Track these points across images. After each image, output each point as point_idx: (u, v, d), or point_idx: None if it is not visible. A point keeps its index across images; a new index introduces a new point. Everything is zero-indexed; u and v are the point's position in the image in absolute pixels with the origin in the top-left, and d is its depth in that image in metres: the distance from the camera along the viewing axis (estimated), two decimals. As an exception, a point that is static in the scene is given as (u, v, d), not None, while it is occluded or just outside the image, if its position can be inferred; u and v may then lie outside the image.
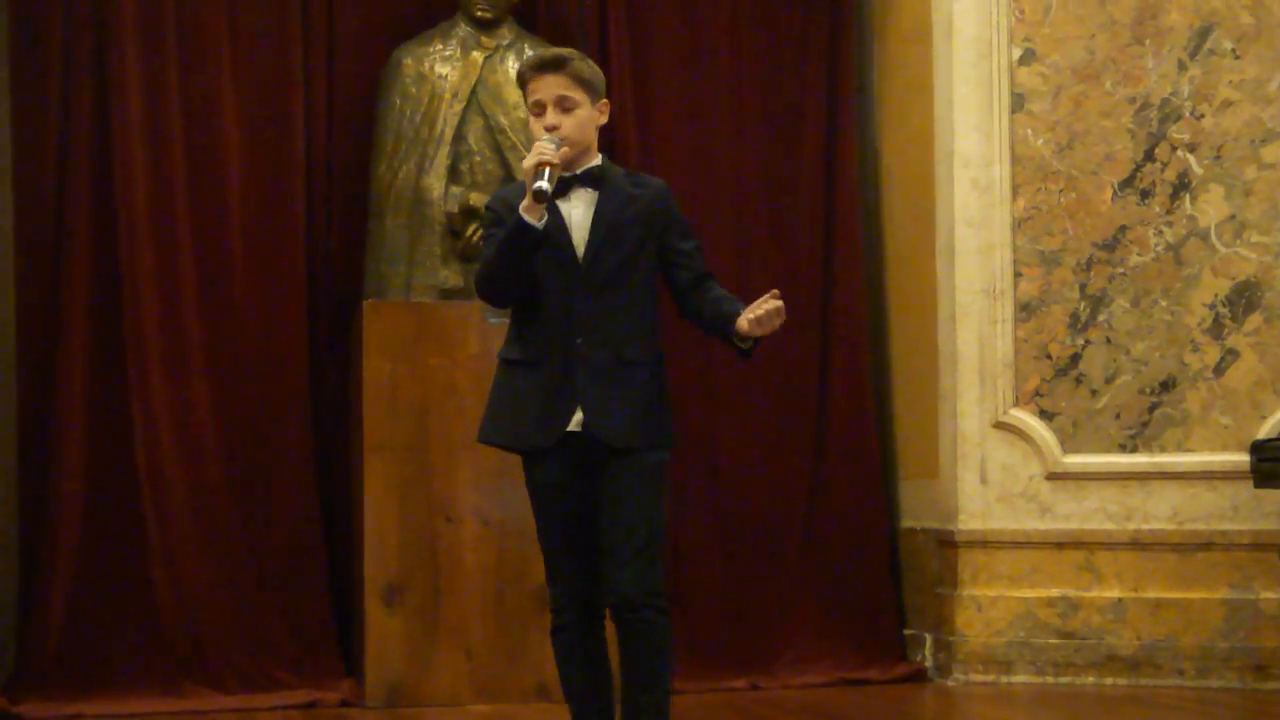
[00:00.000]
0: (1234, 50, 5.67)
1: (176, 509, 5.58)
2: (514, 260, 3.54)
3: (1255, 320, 5.64)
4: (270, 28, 5.87)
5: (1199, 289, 5.68)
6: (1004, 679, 5.70)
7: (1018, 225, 5.81)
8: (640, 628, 3.52)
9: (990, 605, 5.74)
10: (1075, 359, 5.76)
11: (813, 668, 5.88)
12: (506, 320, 3.72)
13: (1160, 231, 5.72)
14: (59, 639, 5.45)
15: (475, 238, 5.46)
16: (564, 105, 3.59)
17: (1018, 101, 5.81)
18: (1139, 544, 5.66)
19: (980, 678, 5.72)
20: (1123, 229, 5.75)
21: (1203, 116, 5.69)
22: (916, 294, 6.11)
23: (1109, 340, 5.74)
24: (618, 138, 5.92)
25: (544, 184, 3.45)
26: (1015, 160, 5.81)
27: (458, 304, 5.53)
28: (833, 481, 6.15)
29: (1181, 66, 5.71)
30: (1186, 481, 5.64)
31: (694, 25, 6.21)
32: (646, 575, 3.53)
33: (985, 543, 5.77)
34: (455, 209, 5.63)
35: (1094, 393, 5.74)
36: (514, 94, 5.49)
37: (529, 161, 3.48)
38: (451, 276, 5.63)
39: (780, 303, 3.51)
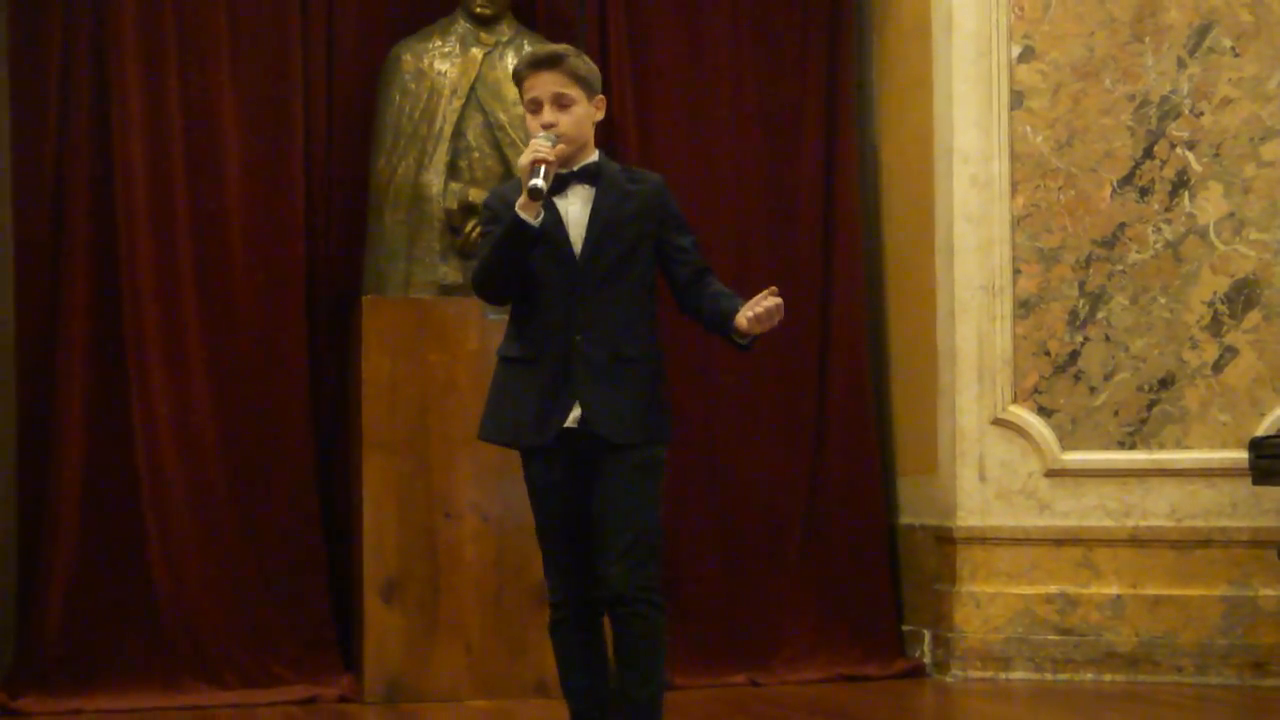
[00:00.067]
0: (1233, 48, 5.68)
1: (176, 504, 5.59)
2: (511, 258, 3.55)
3: (1254, 318, 5.64)
4: (269, 26, 5.87)
5: (1198, 286, 5.68)
6: (1002, 675, 5.70)
7: (1017, 222, 5.82)
8: (634, 622, 3.53)
9: (989, 602, 5.74)
10: (1074, 356, 5.77)
11: (811, 664, 5.89)
12: (506, 316, 3.73)
13: (1159, 229, 5.73)
14: (58, 635, 5.46)
15: (474, 234, 5.46)
16: (560, 102, 3.59)
17: (1017, 98, 5.82)
18: (1138, 541, 5.67)
19: (979, 674, 5.73)
20: (1122, 226, 5.75)
21: (1202, 114, 5.69)
22: (916, 290, 6.12)
23: (1108, 337, 5.75)
24: (617, 134, 5.93)
25: (539, 182, 3.45)
26: (1014, 157, 5.82)
27: (457, 300, 5.53)
28: (832, 478, 6.15)
29: (1181, 64, 5.71)
30: (1185, 478, 5.65)
31: (693, 22, 6.21)
32: (640, 570, 3.54)
33: (984, 539, 5.77)
34: (454, 205, 5.64)
35: (1093, 390, 5.75)
36: (513, 90, 5.41)
37: (525, 159, 3.49)
38: (450, 272, 5.64)
39: (779, 299, 3.52)
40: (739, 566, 6.02)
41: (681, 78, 6.18)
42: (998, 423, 5.80)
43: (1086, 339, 5.76)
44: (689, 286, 3.69)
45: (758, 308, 3.51)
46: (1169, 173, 5.71)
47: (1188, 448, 5.66)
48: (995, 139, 5.81)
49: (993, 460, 5.79)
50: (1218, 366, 5.66)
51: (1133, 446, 5.71)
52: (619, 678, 3.59)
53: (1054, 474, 5.74)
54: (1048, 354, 5.78)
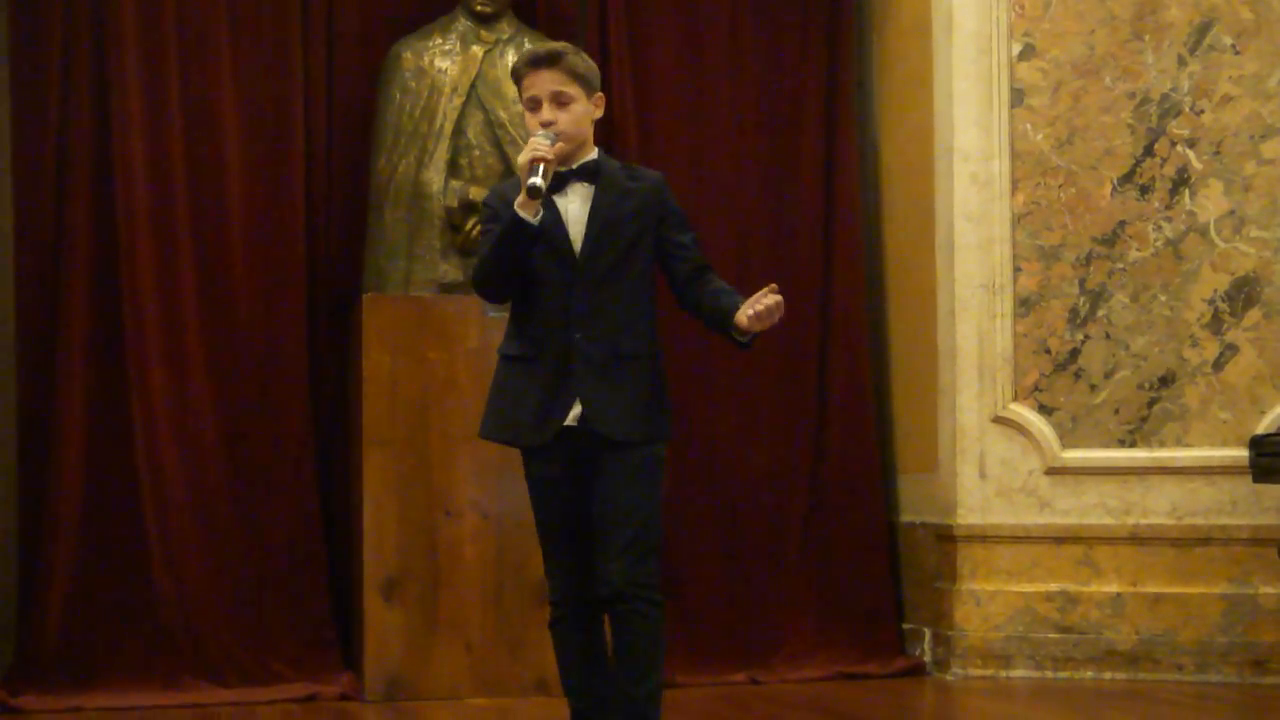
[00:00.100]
0: (1234, 45, 5.67)
1: (176, 503, 5.59)
2: (510, 256, 3.55)
3: (1254, 315, 5.64)
4: (270, 25, 5.87)
5: (1198, 284, 5.68)
6: (1002, 674, 5.70)
7: (1017, 220, 5.81)
8: (632, 619, 3.53)
9: (989, 600, 5.74)
10: (1074, 354, 5.77)
11: (811, 662, 5.89)
12: (506, 314, 3.73)
13: (1159, 227, 5.72)
14: (58, 633, 5.46)
15: (474, 232, 5.46)
16: (559, 100, 3.59)
17: (1017, 96, 5.82)
18: (1138, 539, 5.67)
19: (979, 672, 5.73)
20: (1122, 224, 5.75)
21: (1202, 112, 5.69)
22: (916, 289, 6.12)
23: (1108, 335, 5.75)
24: (617, 133, 5.93)
25: (538, 180, 3.45)
26: (1015, 155, 5.81)
27: (457, 298, 5.53)
28: (832, 476, 6.15)
29: (1181, 62, 5.71)
30: (1185, 476, 5.65)
31: (693, 20, 6.21)
32: (638, 567, 3.54)
33: (984, 537, 5.77)
34: (455, 203, 5.64)
35: (1093, 388, 5.75)
36: (514, 88, 5.44)
37: (523, 158, 3.49)
38: (451, 270, 5.64)
39: (779, 297, 3.52)
40: (739, 565, 6.02)
41: (681, 76, 6.18)
42: (998, 421, 5.79)
43: (1087, 337, 5.76)
44: (689, 283, 3.69)
45: (758, 305, 3.51)
46: (1169, 170, 5.71)
47: (1188, 446, 5.66)
48: (995, 137, 5.81)
49: (993, 458, 5.79)
50: (1218, 364, 5.66)
51: (1133, 444, 5.71)
52: (618, 674, 3.59)
53: (1054, 472, 5.74)
54: (1048, 352, 5.78)
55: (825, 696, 5.50)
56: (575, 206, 3.63)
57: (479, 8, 5.80)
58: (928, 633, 5.95)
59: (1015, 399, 5.79)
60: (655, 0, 6.18)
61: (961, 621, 5.76)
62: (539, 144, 3.50)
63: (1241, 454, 5.37)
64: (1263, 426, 5.55)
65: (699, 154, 6.15)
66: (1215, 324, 5.66)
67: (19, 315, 5.69)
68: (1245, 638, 5.52)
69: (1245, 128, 5.66)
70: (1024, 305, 5.80)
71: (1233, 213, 5.67)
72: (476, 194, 5.48)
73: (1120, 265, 5.74)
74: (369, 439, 5.43)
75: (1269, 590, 5.52)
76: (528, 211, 3.49)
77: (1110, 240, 5.75)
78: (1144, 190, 5.73)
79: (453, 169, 5.68)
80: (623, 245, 3.62)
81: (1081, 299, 5.76)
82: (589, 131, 3.66)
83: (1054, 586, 5.71)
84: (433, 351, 5.50)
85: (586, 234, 3.61)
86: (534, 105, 3.61)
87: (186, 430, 5.65)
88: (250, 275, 5.78)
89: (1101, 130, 5.76)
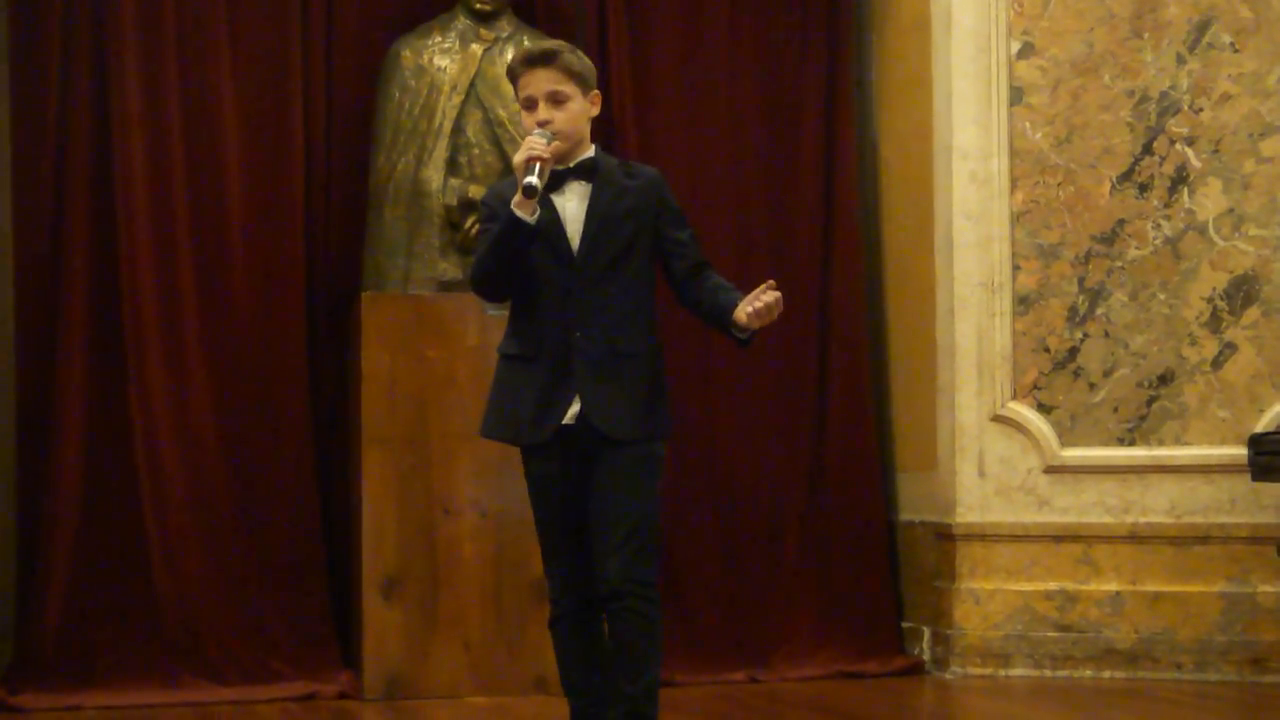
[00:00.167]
0: (1233, 44, 5.67)
1: (175, 500, 5.59)
2: (508, 256, 3.56)
3: (1253, 314, 5.64)
4: (269, 24, 5.87)
5: (1197, 282, 5.68)
6: (1001, 672, 5.70)
7: (1016, 219, 5.81)
8: (628, 617, 3.53)
9: (988, 598, 5.74)
10: (1073, 352, 5.77)
11: (811, 660, 5.89)
12: (505, 313, 3.73)
13: (1158, 225, 5.72)
14: (58, 631, 5.46)
15: (474, 230, 5.46)
16: (555, 99, 3.59)
17: (1016, 95, 5.82)
18: (1137, 537, 5.67)
19: (978, 671, 5.73)
20: (1121, 222, 5.75)
21: (1201, 110, 5.69)
22: (915, 287, 6.12)
23: (1107, 334, 5.75)
24: (616, 132, 5.93)
25: (534, 179, 3.45)
26: (1014, 154, 5.81)
27: (456, 296, 5.53)
28: (831, 474, 6.15)
29: (1180, 60, 5.71)
30: (1184, 475, 5.65)
31: (693, 18, 6.21)
32: (634, 565, 3.54)
33: (983, 536, 5.77)
34: (454, 201, 5.64)
35: (1092, 386, 5.75)
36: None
37: (519, 157, 3.49)
38: (450, 269, 5.64)
39: (777, 293, 3.52)
40: (739, 563, 6.02)
41: (681, 75, 6.18)
42: (997, 419, 5.80)
43: (1086, 335, 5.76)
44: (687, 280, 3.69)
45: (757, 302, 3.51)
46: (1168, 169, 5.71)
47: (1187, 444, 5.66)
48: (994, 135, 5.81)
49: (992, 457, 5.79)
50: (1217, 363, 5.66)
51: (1132, 443, 5.71)
52: (615, 671, 3.59)
53: (1053, 470, 5.74)
54: (1047, 350, 5.79)
55: (825, 695, 5.50)
56: (573, 205, 3.63)
57: (478, 6, 5.80)
58: (927, 631, 5.95)
59: (1014, 397, 5.79)
60: (655, -2, 6.19)
61: (961, 620, 5.76)
62: (535, 143, 3.50)
63: (1240, 452, 5.37)
64: (1261, 425, 5.55)
65: (698, 152, 6.15)
66: (1214, 322, 5.66)
67: (18, 315, 5.69)
68: (1244, 636, 5.52)
69: (1244, 126, 5.66)
70: (1023, 304, 5.80)
71: (1231, 211, 5.67)
72: (476, 192, 5.48)
73: (1119, 264, 5.75)
74: (368, 437, 5.44)
75: (1268, 589, 5.52)
76: (525, 211, 3.49)
77: (1109, 239, 5.75)
78: (1143, 188, 5.74)
79: (452, 167, 5.69)
80: (621, 243, 3.62)
81: (1080, 297, 5.76)
82: (586, 130, 3.66)
83: (1053, 585, 5.71)
84: (432, 350, 5.50)
85: (584, 232, 3.61)
86: (530, 104, 3.61)
87: (186, 429, 5.65)
88: (250, 274, 5.78)
89: (1100, 128, 5.76)
